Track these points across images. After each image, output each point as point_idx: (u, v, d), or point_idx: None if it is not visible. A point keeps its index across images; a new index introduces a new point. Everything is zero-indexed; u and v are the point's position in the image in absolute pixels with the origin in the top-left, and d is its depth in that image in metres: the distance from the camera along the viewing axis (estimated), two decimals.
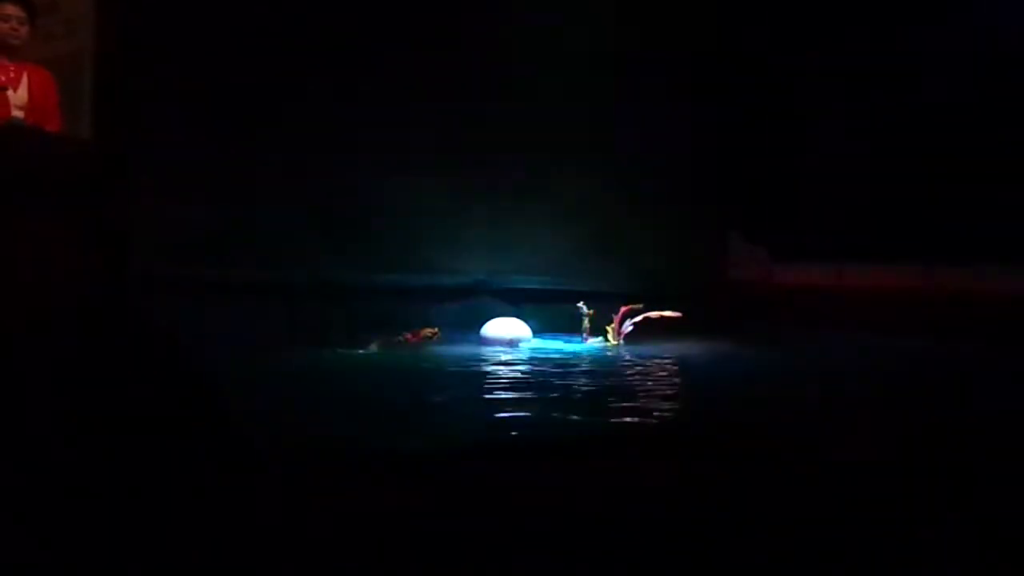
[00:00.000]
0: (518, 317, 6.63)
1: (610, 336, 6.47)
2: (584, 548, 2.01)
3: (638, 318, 6.45)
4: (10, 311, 3.23)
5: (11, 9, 3.80)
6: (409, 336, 6.08)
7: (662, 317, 6.42)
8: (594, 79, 7.31)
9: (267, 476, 2.33)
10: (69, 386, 2.61)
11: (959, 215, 6.29)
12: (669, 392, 4.56)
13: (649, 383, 4.76)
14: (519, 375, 4.85)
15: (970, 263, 6.30)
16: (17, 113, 3.81)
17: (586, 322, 6.53)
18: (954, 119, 6.53)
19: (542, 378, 4.73)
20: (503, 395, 4.12)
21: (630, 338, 6.46)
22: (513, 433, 3.35)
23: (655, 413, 3.82)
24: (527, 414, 3.68)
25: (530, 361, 5.48)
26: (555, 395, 4.18)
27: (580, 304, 6.56)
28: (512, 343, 6.25)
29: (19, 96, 3.83)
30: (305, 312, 6.35)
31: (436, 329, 6.25)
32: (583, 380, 4.75)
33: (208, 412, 2.67)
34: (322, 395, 4.10)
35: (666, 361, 5.67)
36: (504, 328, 6.43)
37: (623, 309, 6.48)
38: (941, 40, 6.72)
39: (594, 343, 6.45)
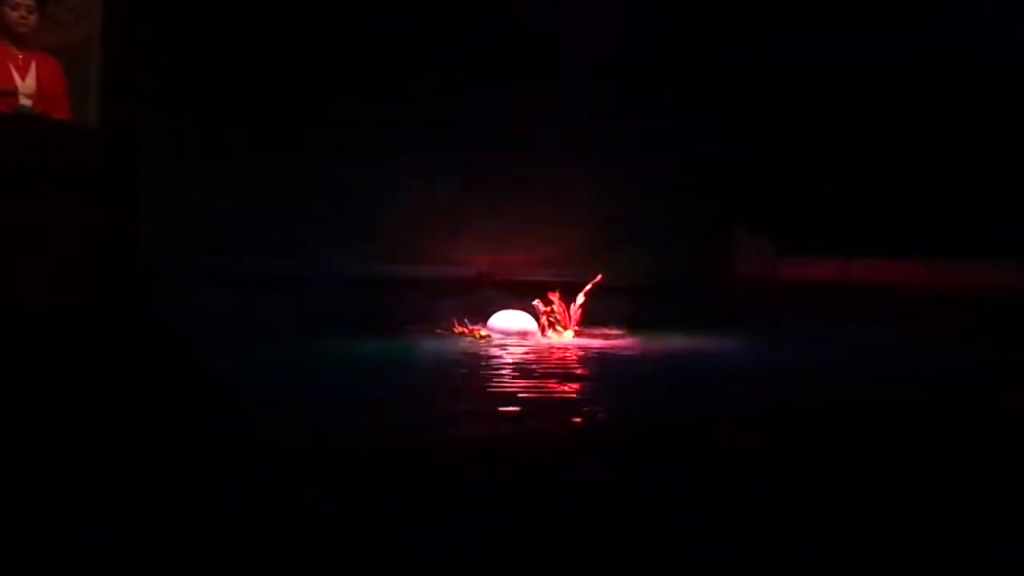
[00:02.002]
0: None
1: (559, 328, 6.48)
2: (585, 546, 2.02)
3: (580, 300, 6.49)
4: (15, 299, 3.25)
5: None
6: (463, 328, 6.21)
7: (588, 292, 6.49)
8: (599, 74, 7.30)
9: (267, 471, 2.34)
10: (73, 375, 2.63)
11: (964, 209, 6.28)
12: (672, 385, 4.57)
13: (652, 376, 4.76)
14: (522, 368, 4.86)
15: (974, 257, 6.29)
16: (25, 101, 3.83)
17: (543, 319, 6.53)
18: (959, 113, 6.51)
19: (545, 371, 4.74)
20: (505, 390, 4.13)
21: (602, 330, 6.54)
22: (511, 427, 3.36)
23: (655, 407, 3.83)
24: (528, 409, 3.69)
25: (535, 353, 5.49)
26: (557, 390, 4.19)
27: (535, 302, 6.56)
28: (519, 335, 6.26)
29: (27, 84, 3.85)
30: (309, 303, 6.37)
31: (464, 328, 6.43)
32: (582, 374, 4.76)
33: (209, 402, 2.69)
34: (320, 389, 4.07)
35: (670, 355, 5.67)
36: (511, 320, 6.44)
37: (556, 300, 6.50)
38: (947, 35, 6.69)
39: (551, 336, 6.44)
